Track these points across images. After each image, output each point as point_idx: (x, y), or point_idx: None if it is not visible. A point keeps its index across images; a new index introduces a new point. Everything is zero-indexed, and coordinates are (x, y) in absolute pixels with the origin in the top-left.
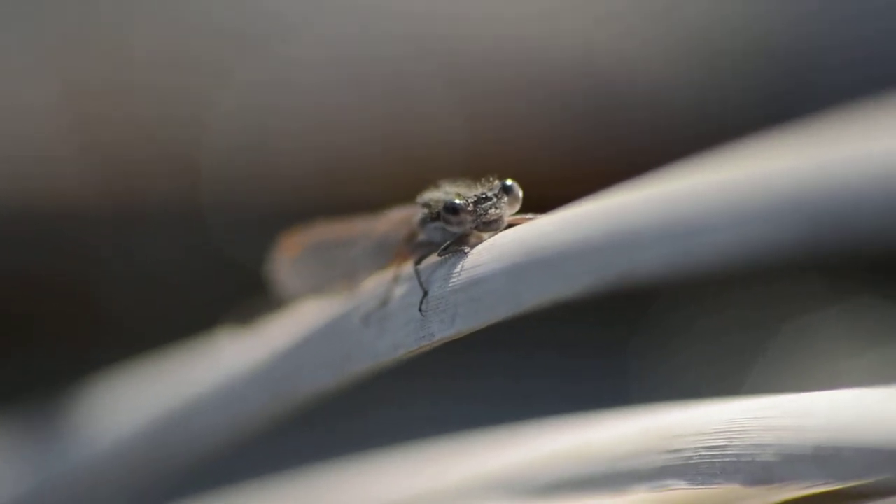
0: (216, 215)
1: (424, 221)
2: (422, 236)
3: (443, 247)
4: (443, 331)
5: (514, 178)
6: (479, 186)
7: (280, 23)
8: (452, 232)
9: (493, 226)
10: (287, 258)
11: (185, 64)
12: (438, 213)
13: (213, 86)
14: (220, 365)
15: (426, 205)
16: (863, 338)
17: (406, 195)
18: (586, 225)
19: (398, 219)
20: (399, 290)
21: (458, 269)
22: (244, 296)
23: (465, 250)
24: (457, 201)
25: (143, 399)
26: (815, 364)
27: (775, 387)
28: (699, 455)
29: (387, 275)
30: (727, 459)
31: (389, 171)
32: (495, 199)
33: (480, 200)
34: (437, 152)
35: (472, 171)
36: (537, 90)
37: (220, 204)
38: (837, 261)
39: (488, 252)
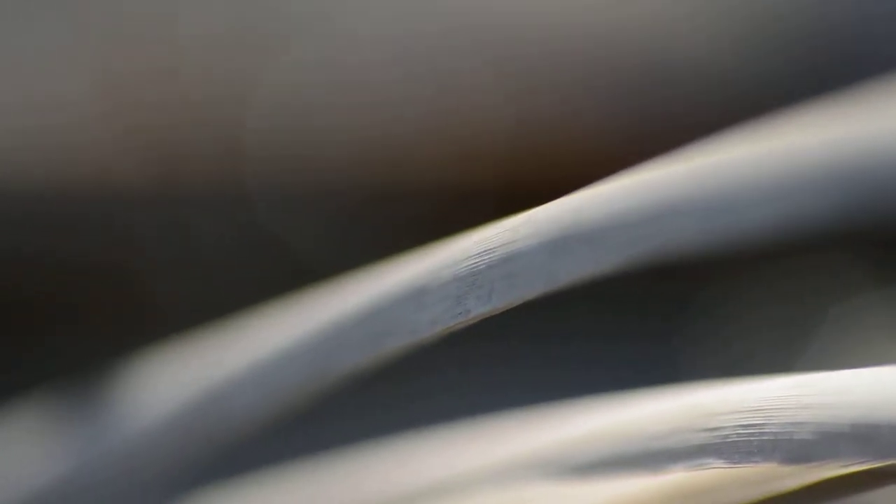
0: (263, 197)
1: None
2: None
3: None
4: (479, 307)
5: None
6: None
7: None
8: None
9: None
10: None
11: (229, 43)
12: None
13: (258, 65)
14: (256, 343)
15: None
16: None
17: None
18: (624, 199)
19: None
20: (435, 261)
21: (495, 245)
22: (290, 278)
23: None
24: None
25: (179, 378)
26: (858, 343)
27: (817, 366)
28: (737, 433)
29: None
30: (765, 438)
31: (436, 154)
32: None
33: None
34: (483, 134)
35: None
36: (584, 70)
37: (266, 185)
38: (882, 240)
39: (525, 227)
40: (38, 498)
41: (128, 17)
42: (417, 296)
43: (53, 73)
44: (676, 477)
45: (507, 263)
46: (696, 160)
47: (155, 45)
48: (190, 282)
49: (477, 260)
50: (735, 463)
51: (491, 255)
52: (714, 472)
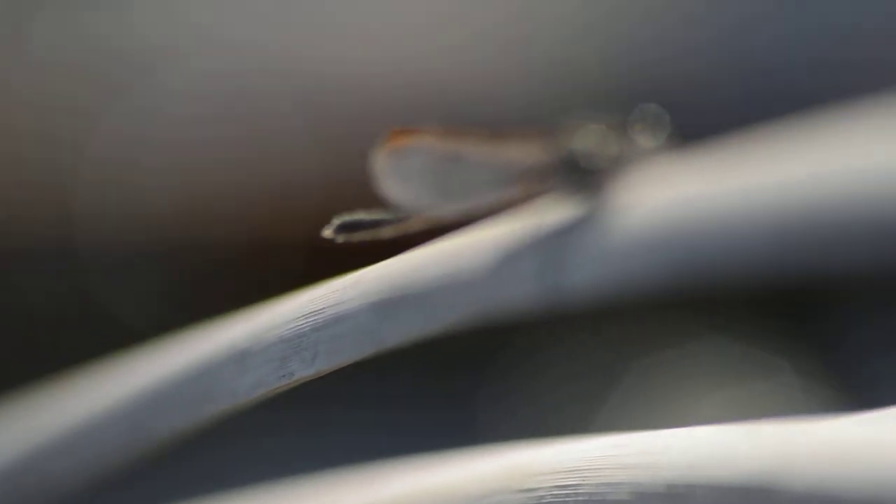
0: (89, 253)
1: (561, 163)
2: (556, 175)
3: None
4: (303, 370)
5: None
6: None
7: (146, 59)
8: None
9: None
10: (391, 158)
11: (53, 102)
12: (577, 163)
13: (83, 124)
14: (77, 406)
15: (568, 150)
16: (721, 374)
17: (273, 234)
18: (451, 260)
19: (529, 146)
20: (259, 323)
21: (321, 306)
22: (115, 338)
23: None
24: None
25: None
26: (674, 401)
27: (633, 424)
28: (552, 494)
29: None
30: (580, 499)
31: (257, 206)
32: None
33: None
34: (300, 186)
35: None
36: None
37: (92, 241)
38: (698, 296)
39: (351, 288)
40: None
41: None
42: (240, 358)
43: None
44: None
45: (333, 325)
46: (524, 221)
47: None
48: (14, 339)
49: (302, 322)
50: None
51: (316, 317)
52: None
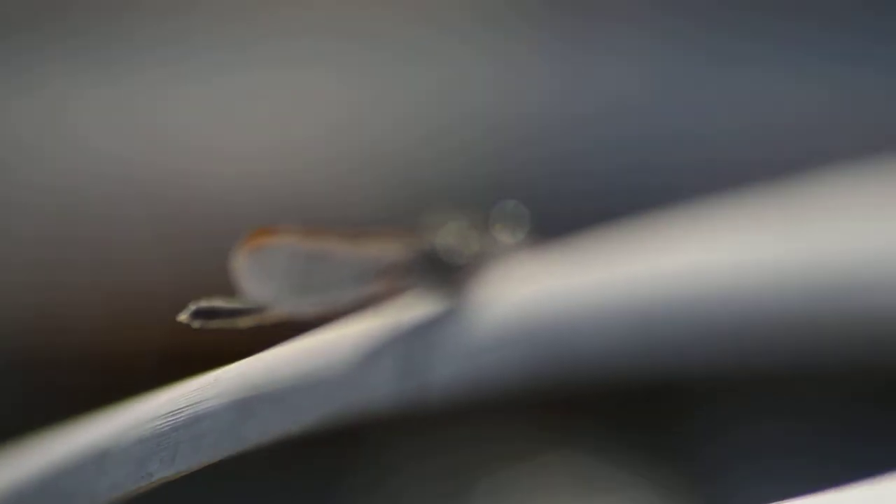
0: None
1: (422, 260)
2: (417, 272)
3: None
4: (163, 470)
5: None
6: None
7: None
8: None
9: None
10: (251, 256)
11: None
12: (438, 260)
13: None
14: None
15: (429, 246)
16: (581, 485)
17: (129, 339)
18: (312, 358)
19: (390, 243)
20: (119, 423)
21: (181, 406)
22: None
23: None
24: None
25: None
26: None
27: None
28: None
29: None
30: None
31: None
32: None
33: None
34: (155, 288)
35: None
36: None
37: None
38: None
39: (211, 387)
40: None
41: None
42: (98, 460)
43: None
44: None
45: (194, 425)
46: (382, 318)
47: None
48: None
49: (162, 421)
50: None
51: (177, 417)
52: None
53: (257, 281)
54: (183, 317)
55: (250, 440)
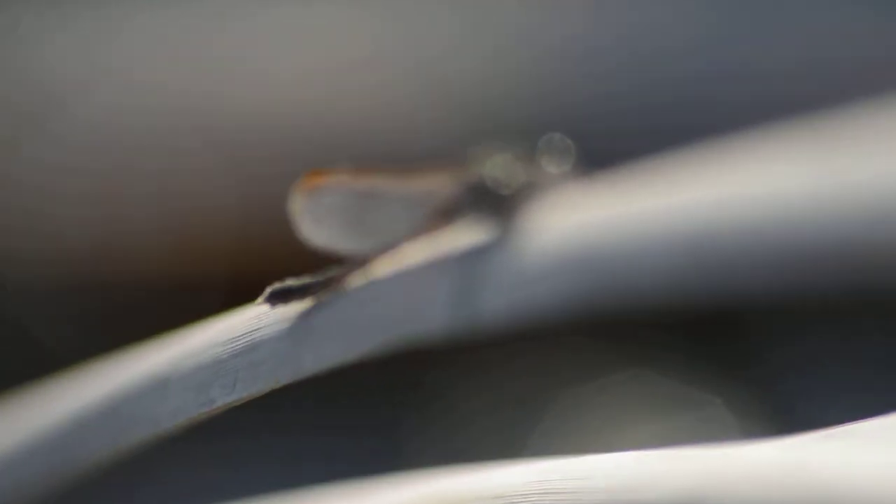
0: (8, 285)
1: (471, 193)
2: (467, 204)
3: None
4: (223, 396)
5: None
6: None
7: (52, 97)
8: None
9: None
10: (307, 198)
11: None
12: (487, 191)
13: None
14: (1, 432)
15: (478, 179)
16: (643, 401)
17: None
18: (368, 290)
19: (440, 177)
20: (178, 350)
21: (239, 333)
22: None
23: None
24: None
25: None
26: (598, 428)
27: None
28: None
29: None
30: None
31: (168, 246)
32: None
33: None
34: (212, 223)
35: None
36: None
37: (10, 274)
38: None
39: (269, 315)
40: None
41: None
42: (160, 386)
43: None
44: None
45: (252, 352)
46: (435, 251)
47: None
48: None
49: (221, 349)
50: None
51: (235, 344)
52: None
53: (315, 221)
54: (259, 301)
55: (308, 368)
